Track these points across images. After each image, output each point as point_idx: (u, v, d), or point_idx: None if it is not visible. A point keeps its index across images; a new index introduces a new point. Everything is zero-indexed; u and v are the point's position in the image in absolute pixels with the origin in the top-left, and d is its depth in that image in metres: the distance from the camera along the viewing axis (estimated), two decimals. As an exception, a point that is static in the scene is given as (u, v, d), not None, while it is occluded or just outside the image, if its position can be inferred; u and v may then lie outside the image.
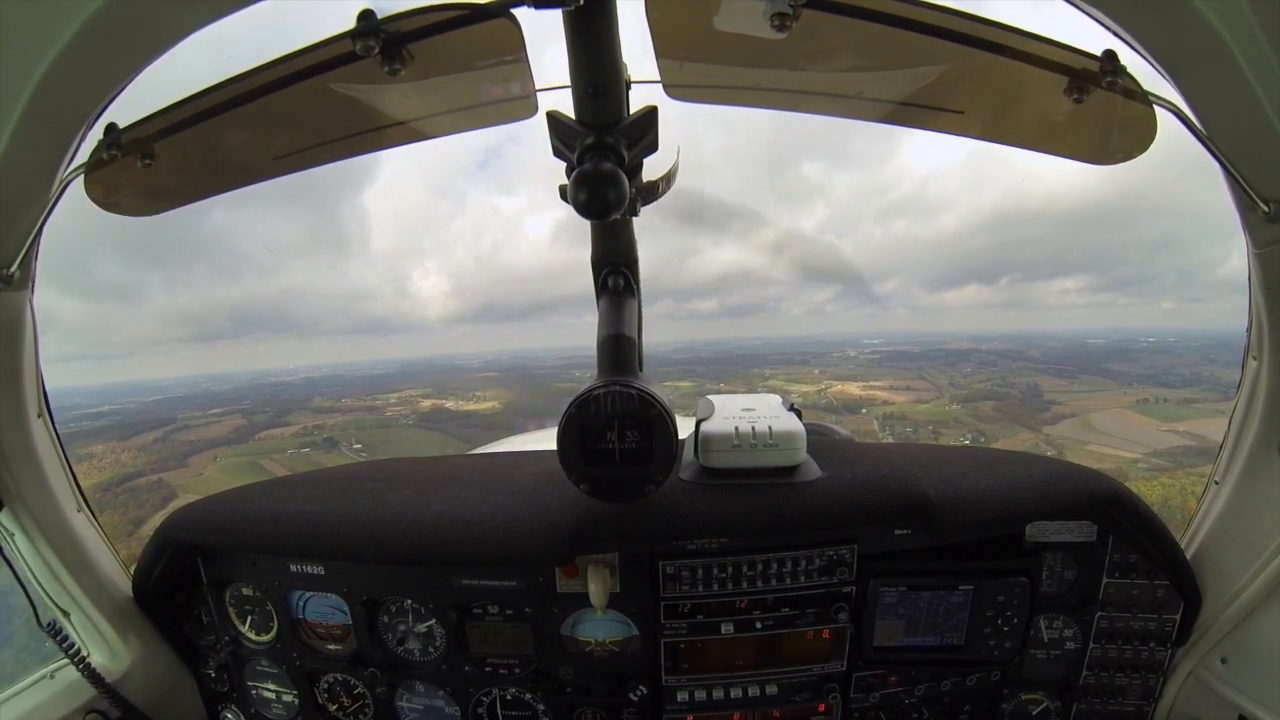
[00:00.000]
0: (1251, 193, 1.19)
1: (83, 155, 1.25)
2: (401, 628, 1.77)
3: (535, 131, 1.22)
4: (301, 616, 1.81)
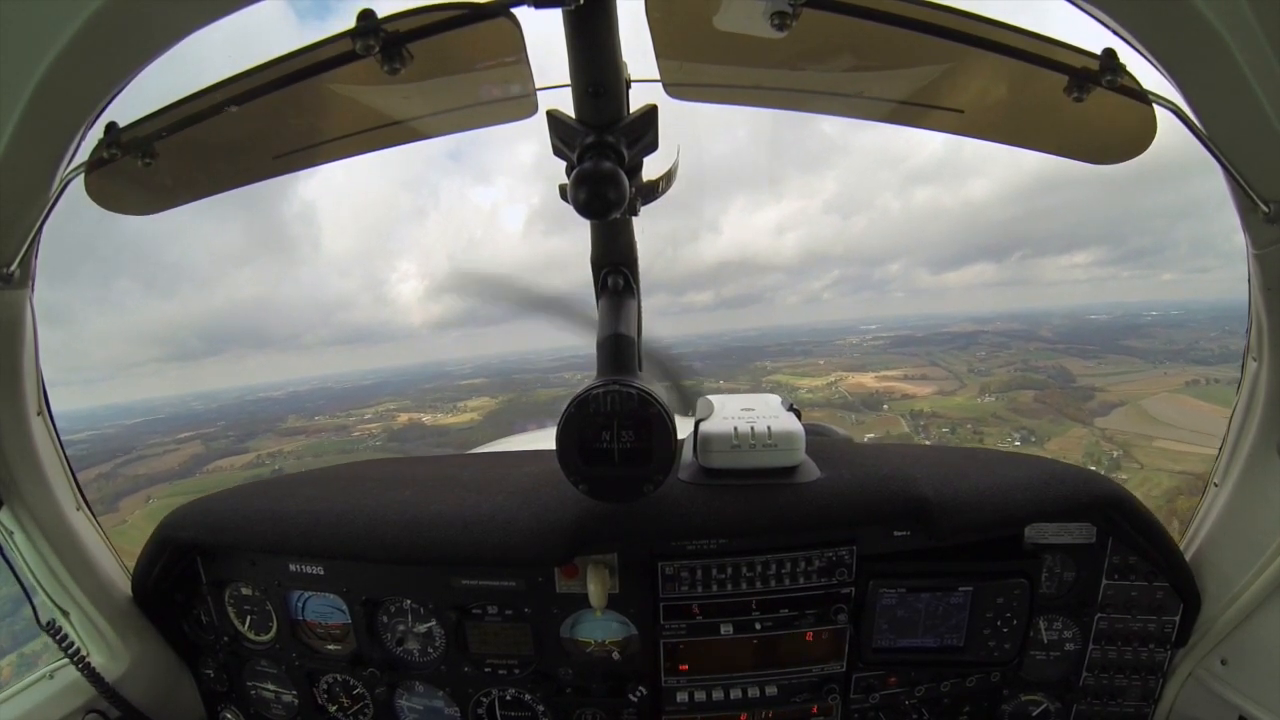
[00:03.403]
0: (1251, 193, 1.19)
1: (83, 154, 1.25)
2: (401, 628, 1.77)
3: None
4: (301, 616, 1.81)
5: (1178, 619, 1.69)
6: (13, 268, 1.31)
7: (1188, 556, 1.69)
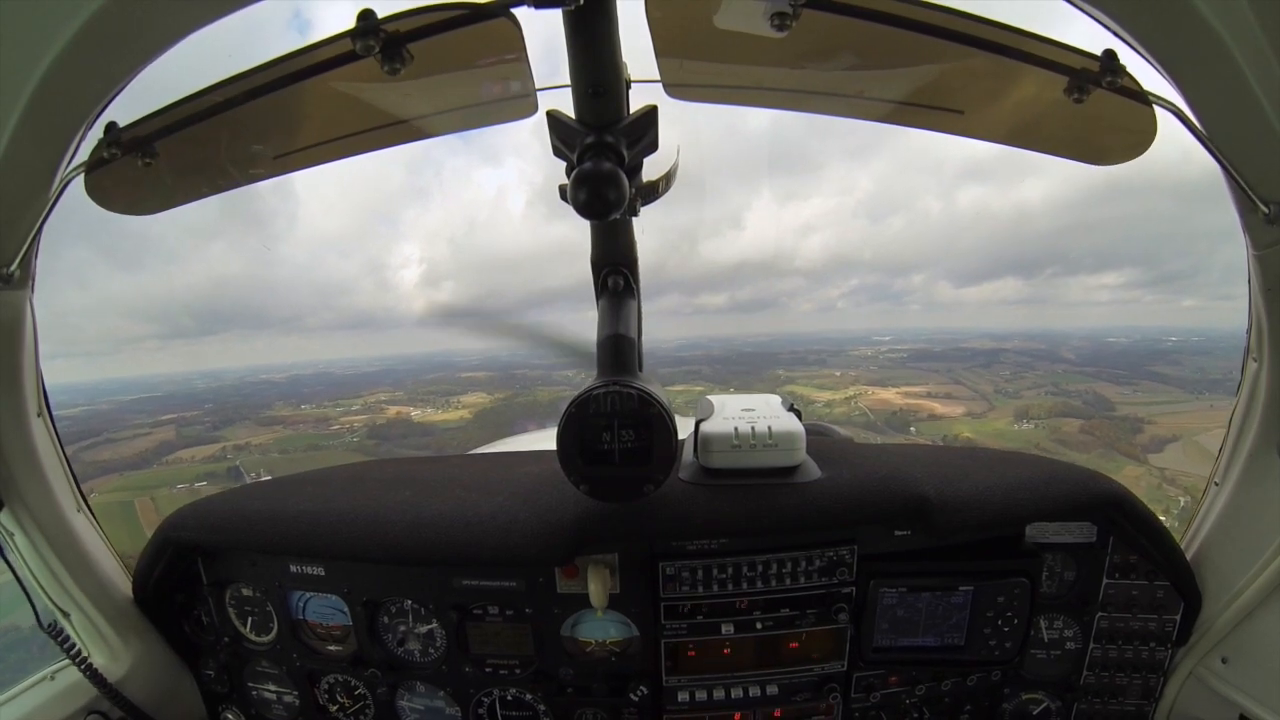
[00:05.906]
0: (1251, 194, 1.19)
1: (83, 154, 1.25)
2: (402, 628, 1.77)
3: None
4: (302, 617, 1.81)
5: (1178, 618, 1.70)
6: (13, 268, 1.30)
7: (1188, 556, 1.70)
